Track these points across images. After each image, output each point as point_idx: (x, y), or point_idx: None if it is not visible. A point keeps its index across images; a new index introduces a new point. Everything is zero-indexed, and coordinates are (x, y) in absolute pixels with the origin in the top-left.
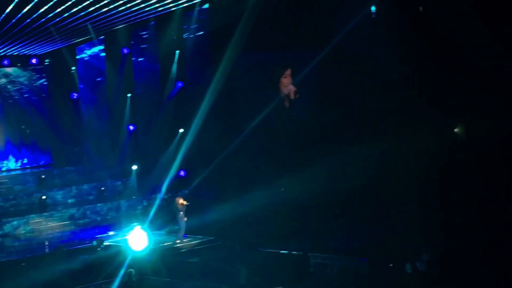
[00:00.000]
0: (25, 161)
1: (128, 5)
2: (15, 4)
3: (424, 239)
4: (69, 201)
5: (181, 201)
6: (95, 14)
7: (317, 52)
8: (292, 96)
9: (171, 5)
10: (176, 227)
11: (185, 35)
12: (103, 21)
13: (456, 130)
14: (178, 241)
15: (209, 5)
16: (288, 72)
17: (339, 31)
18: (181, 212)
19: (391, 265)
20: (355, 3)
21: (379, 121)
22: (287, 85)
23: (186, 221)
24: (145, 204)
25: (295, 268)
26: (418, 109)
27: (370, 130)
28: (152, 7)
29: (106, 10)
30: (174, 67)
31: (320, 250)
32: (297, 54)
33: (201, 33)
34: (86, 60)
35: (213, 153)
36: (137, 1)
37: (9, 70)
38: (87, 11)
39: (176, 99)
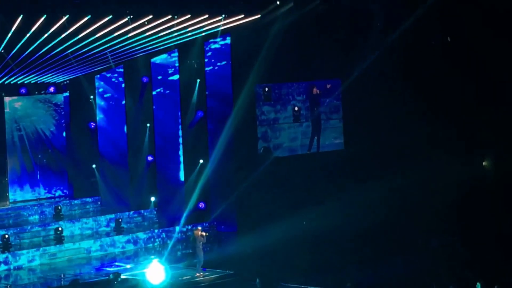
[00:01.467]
0: (42, 191)
1: (149, 32)
2: (33, 32)
3: (450, 273)
4: (86, 232)
5: (200, 232)
6: (115, 42)
7: (339, 82)
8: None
9: (192, 32)
10: (195, 260)
11: (206, 64)
12: (123, 49)
13: (484, 163)
14: (197, 274)
15: (231, 35)
16: None
17: (360, 61)
18: (201, 244)
19: None
20: (374, 34)
21: (404, 153)
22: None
23: (204, 253)
24: (163, 236)
25: None
26: (443, 142)
27: (395, 163)
28: (173, 35)
29: (126, 38)
30: (195, 96)
31: (343, 286)
32: (317, 84)
33: (223, 62)
34: (104, 88)
35: (232, 185)
36: (158, 29)
37: (26, 98)
38: (106, 39)
39: (196, 128)
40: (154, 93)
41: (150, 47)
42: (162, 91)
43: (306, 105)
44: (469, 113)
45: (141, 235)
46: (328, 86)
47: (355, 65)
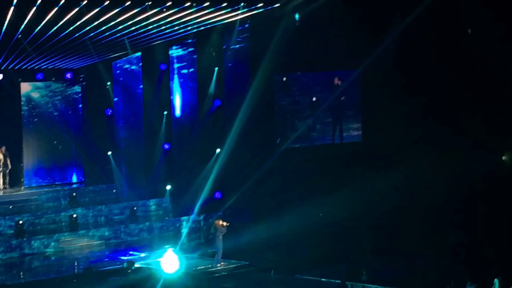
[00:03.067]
0: (56, 177)
1: (167, 20)
2: (51, 17)
3: (468, 270)
4: (100, 220)
5: (221, 222)
6: (133, 28)
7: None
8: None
9: (211, 20)
10: (214, 250)
11: (224, 52)
12: (141, 37)
13: (504, 157)
14: (218, 265)
15: (250, 22)
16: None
17: (380, 52)
18: (221, 235)
19: None
20: (388, 22)
21: (426, 146)
22: None
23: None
24: (178, 225)
25: None
26: (465, 134)
27: (415, 155)
28: (192, 22)
29: (144, 25)
30: (212, 84)
31: (359, 278)
32: (334, 74)
33: (241, 49)
34: (122, 75)
35: (247, 174)
36: (176, 16)
37: (42, 84)
38: (124, 25)
39: (213, 117)
40: (171, 81)
41: (168, 35)
42: (179, 79)
43: (324, 95)
44: (493, 106)
45: (156, 223)
46: (347, 77)
47: (375, 56)
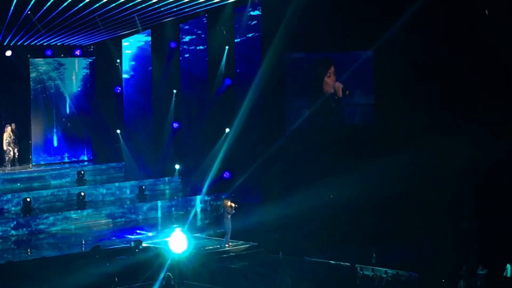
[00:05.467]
0: (65, 155)
1: None
2: None
3: (480, 256)
4: (108, 199)
5: (229, 203)
6: (143, 5)
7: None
8: (340, 94)
9: None
10: (222, 230)
11: (235, 31)
12: (151, 13)
13: None
14: (227, 245)
15: (262, 2)
16: (332, 70)
17: (382, 33)
18: (229, 215)
19: (443, 280)
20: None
21: (437, 129)
22: (331, 84)
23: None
24: (186, 205)
25: (341, 280)
26: (478, 118)
27: (427, 138)
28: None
29: (155, 2)
30: (223, 63)
31: (368, 261)
32: (344, 55)
33: (252, 28)
34: (131, 52)
35: (256, 154)
36: None
37: (51, 61)
38: (134, 2)
39: (223, 96)
40: (181, 58)
41: (178, 12)
42: (189, 57)
43: (336, 76)
44: (505, 92)
45: (164, 203)
46: (359, 58)
47: (388, 37)
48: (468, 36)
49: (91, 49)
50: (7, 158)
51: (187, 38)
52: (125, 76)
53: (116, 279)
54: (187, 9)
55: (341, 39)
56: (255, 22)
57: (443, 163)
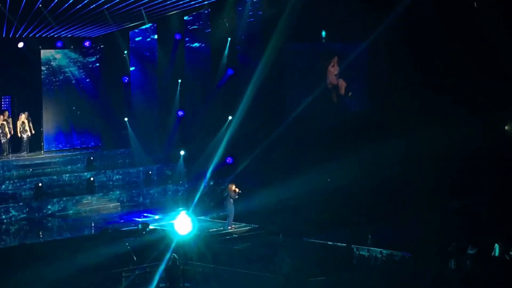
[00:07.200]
0: (75, 142)
1: None
2: None
3: (469, 235)
4: (116, 183)
5: (234, 187)
6: None
7: (362, 43)
8: (342, 92)
9: None
10: (225, 213)
11: (238, 23)
12: (156, 6)
13: (506, 127)
14: (230, 227)
15: None
16: (335, 60)
17: (386, 23)
18: (232, 200)
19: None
20: None
21: (428, 113)
22: (334, 73)
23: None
24: (191, 189)
25: (338, 259)
26: (467, 102)
27: (417, 122)
28: None
29: None
30: (225, 54)
31: (364, 242)
32: (344, 45)
33: (253, 20)
34: (138, 44)
35: (258, 140)
36: None
37: (61, 51)
38: None
39: (226, 86)
40: (186, 49)
41: (183, 4)
42: (194, 47)
43: (333, 65)
44: (495, 76)
45: (170, 187)
46: (355, 47)
47: (383, 27)
48: (459, 25)
49: (100, 41)
50: (22, 146)
51: (191, 29)
52: (132, 68)
53: (135, 258)
54: (192, 2)
55: (341, 29)
56: (259, 13)
57: (433, 146)
